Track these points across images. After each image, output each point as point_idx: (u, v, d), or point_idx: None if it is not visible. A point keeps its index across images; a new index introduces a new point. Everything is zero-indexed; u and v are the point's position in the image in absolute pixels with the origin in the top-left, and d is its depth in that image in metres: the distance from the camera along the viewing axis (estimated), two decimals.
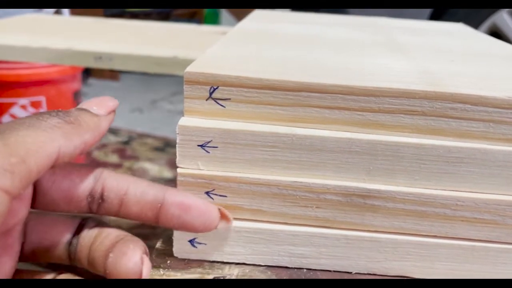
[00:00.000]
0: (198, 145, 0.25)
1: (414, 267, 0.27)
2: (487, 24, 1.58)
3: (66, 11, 1.62)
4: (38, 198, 0.23)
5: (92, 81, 2.39)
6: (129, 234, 0.24)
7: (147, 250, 0.23)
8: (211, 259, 0.27)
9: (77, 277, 0.23)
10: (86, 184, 0.24)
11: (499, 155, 0.25)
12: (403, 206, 0.25)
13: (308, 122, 0.25)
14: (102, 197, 0.24)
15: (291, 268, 0.27)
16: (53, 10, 1.54)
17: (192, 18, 2.91)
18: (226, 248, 0.27)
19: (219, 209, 0.25)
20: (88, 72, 2.33)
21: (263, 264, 0.27)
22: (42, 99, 1.22)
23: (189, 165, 0.26)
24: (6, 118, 1.19)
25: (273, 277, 0.26)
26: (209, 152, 0.25)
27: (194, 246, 0.27)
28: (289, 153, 0.25)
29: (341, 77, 0.25)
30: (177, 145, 0.25)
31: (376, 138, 0.25)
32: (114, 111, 0.25)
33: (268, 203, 0.26)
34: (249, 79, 0.25)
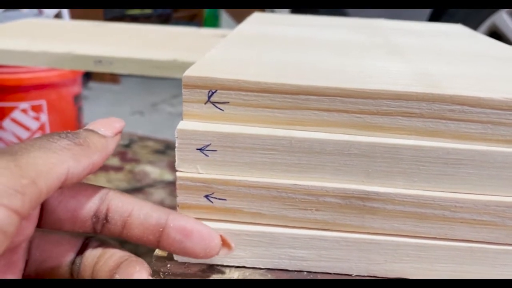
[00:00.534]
0: (197, 149, 0.25)
1: (414, 268, 0.27)
2: (486, 24, 1.58)
3: (66, 15, 1.63)
4: (45, 217, 0.23)
5: (92, 84, 2.40)
6: (133, 255, 0.24)
7: (151, 271, 0.23)
8: (211, 263, 0.27)
9: None
10: (92, 205, 0.24)
11: (498, 156, 0.25)
12: (402, 208, 0.26)
13: (306, 125, 0.25)
14: (106, 218, 0.24)
15: (291, 271, 0.27)
16: (53, 14, 1.54)
17: (191, 21, 2.91)
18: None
19: (220, 235, 0.25)
20: (88, 76, 2.34)
21: (263, 267, 0.27)
22: (43, 102, 1.23)
23: (188, 169, 0.26)
24: (7, 122, 1.19)
25: None
26: (208, 156, 0.25)
27: None
28: (288, 156, 0.25)
29: (339, 80, 0.25)
30: (176, 149, 0.25)
31: (374, 140, 0.25)
32: (120, 132, 0.25)
33: (267, 206, 0.26)
34: (247, 82, 0.25)
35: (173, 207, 0.26)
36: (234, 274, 0.27)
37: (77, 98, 1.32)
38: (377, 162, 0.25)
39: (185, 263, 0.27)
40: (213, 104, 0.25)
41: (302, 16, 0.55)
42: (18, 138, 1.23)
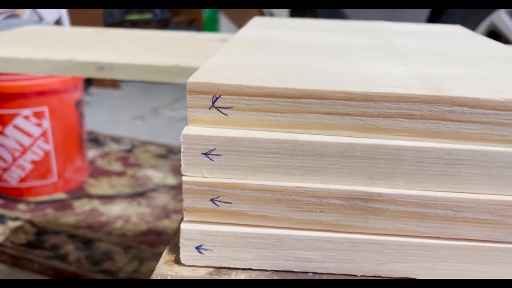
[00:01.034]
0: (202, 153, 0.26)
1: (418, 268, 0.27)
2: (485, 23, 1.58)
3: (66, 21, 1.64)
4: None
5: (93, 89, 2.40)
6: None
7: None
8: (218, 265, 0.28)
9: None
10: None
11: (498, 156, 0.25)
12: (405, 209, 0.26)
13: (309, 128, 0.26)
14: None
15: (297, 272, 0.28)
16: (53, 20, 1.55)
17: (191, 25, 2.92)
18: (232, 254, 0.27)
19: None
20: (89, 81, 2.34)
21: (269, 269, 0.28)
22: (45, 109, 1.23)
23: (194, 173, 0.26)
24: (9, 128, 1.20)
25: None
26: (213, 160, 0.26)
27: (200, 252, 0.27)
28: (291, 159, 0.26)
29: (340, 83, 0.26)
30: (181, 154, 0.26)
31: (376, 142, 0.25)
32: None
33: (272, 208, 0.26)
34: (250, 87, 0.25)
35: (176, 211, 0.26)
36: (241, 276, 0.27)
37: (78, 104, 1.32)
38: (380, 164, 0.25)
39: (192, 266, 0.28)
40: (217, 109, 0.26)
41: (302, 20, 0.55)
42: (21, 144, 1.24)
